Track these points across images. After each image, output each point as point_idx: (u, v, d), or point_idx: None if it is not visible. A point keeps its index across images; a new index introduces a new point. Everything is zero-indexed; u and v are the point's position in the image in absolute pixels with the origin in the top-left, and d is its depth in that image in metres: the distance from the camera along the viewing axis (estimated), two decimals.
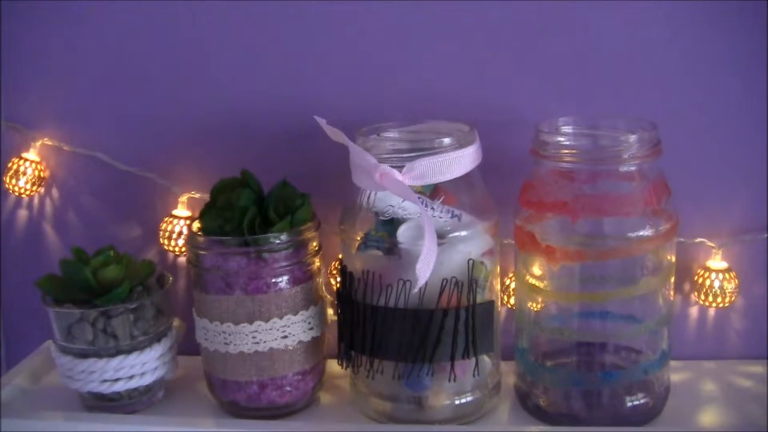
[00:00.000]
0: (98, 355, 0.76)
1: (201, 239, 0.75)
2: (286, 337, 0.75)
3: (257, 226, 0.74)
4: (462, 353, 0.71)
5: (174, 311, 0.83)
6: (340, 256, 0.80)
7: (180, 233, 0.85)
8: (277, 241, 0.73)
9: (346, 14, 0.81)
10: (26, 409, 0.79)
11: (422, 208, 0.67)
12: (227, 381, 0.76)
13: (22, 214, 0.91)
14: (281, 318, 0.74)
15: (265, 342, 0.74)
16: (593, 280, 0.72)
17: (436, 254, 0.66)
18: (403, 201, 0.70)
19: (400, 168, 0.69)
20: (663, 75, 0.79)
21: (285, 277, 0.75)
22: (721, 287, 0.80)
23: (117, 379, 0.76)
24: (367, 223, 0.73)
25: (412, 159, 0.69)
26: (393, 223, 0.71)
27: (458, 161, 0.70)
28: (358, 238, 0.73)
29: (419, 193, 0.71)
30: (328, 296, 0.81)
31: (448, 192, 0.72)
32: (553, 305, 0.75)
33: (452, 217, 0.71)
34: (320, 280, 0.79)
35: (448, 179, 0.70)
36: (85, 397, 0.79)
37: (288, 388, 0.77)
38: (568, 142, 0.71)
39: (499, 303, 0.79)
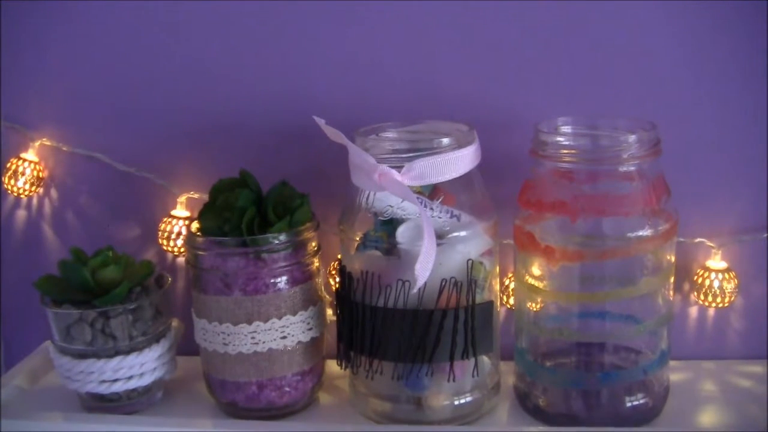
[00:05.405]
0: (97, 355, 0.76)
1: (200, 240, 0.75)
2: (285, 337, 0.75)
3: (256, 226, 0.74)
4: (461, 353, 0.71)
5: (173, 312, 0.83)
6: (339, 256, 0.80)
7: (179, 233, 0.85)
8: (276, 242, 0.73)
9: (346, 14, 0.81)
10: (25, 409, 0.79)
11: (421, 209, 0.67)
12: (226, 381, 0.76)
13: (21, 214, 0.91)
14: (280, 318, 0.74)
15: (264, 342, 0.74)
16: (593, 281, 0.72)
17: (435, 254, 0.66)
18: (402, 201, 0.70)
19: (399, 168, 0.68)
20: (663, 75, 0.79)
21: (284, 278, 0.74)
22: (721, 287, 0.80)
23: (116, 380, 0.76)
24: (366, 224, 0.73)
25: (411, 159, 0.68)
26: (392, 224, 0.71)
27: (457, 161, 0.70)
28: (357, 239, 0.73)
29: (418, 193, 0.71)
30: (327, 296, 0.81)
31: (447, 192, 0.72)
32: (552, 305, 0.75)
33: (451, 217, 0.71)
34: (319, 280, 0.79)
35: (447, 179, 0.70)
36: (84, 397, 0.79)
37: (287, 389, 0.76)
38: (567, 142, 0.71)
39: (499, 303, 0.79)
